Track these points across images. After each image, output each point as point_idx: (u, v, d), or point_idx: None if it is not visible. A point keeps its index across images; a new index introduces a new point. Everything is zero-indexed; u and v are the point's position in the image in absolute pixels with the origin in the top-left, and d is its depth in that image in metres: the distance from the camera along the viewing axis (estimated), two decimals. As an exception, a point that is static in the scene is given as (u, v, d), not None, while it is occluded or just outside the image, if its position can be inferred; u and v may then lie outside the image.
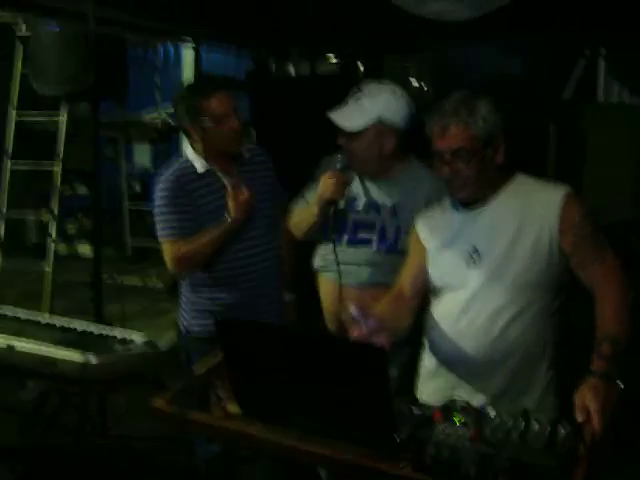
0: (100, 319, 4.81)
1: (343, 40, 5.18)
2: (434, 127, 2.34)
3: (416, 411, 2.00)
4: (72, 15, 3.70)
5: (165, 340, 3.09)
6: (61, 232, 8.46)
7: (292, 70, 5.53)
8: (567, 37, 5.17)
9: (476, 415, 1.83)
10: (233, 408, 2.09)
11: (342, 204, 2.94)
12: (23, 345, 2.76)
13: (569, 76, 6.69)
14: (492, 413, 1.89)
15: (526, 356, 2.33)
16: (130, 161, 9.67)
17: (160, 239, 3.14)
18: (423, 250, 2.54)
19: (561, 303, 2.37)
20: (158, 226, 3.13)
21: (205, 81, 3.61)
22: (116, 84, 4.72)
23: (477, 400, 2.23)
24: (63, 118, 6.85)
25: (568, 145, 5.60)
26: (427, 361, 2.55)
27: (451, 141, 2.30)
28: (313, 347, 1.90)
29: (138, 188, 10.14)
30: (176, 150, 7.75)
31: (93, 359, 2.62)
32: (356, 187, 2.98)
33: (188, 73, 5.87)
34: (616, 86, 7.44)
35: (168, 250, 3.11)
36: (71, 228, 10.11)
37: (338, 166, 2.88)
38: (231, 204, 3.05)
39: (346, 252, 2.92)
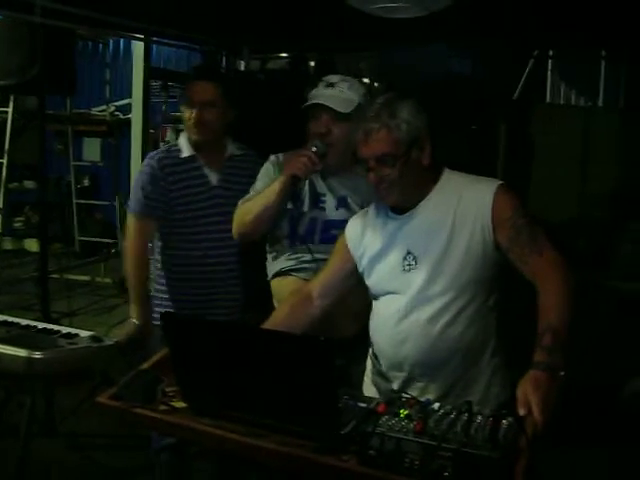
0: (47, 315, 4.75)
1: (294, 38, 5.17)
2: (357, 133, 2.32)
3: (360, 404, 2.01)
4: (19, 6, 3.64)
5: (113, 336, 3.07)
6: (8, 227, 8.32)
7: (242, 66, 5.51)
8: (517, 39, 5.22)
9: (420, 408, 1.85)
10: (179, 403, 2.08)
11: (306, 201, 2.92)
12: None
13: (519, 77, 6.78)
14: (435, 405, 1.91)
15: (468, 354, 2.34)
16: (79, 155, 9.55)
17: (128, 210, 3.33)
18: (346, 256, 2.53)
19: (500, 294, 2.38)
20: (131, 198, 3.33)
21: (199, 68, 3.76)
22: (64, 77, 4.64)
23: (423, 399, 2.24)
24: (10, 111, 6.76)
25: (517, 144, 5.68)
26: (372, 362, 2.57)
27: (374, 147, 2.28)
28: (258, 341, 1.90)
29: (87, 182, 10.03)
30: (126, 144, 7.69)
31: (37, 354, 2.59)
32: (320, 187, 2.94)
33: (138, 68, 5.79)
34: (563, 87, 7.58)
35: (130, 223, 3.29)
36: (18, 222, 9.96)
37: (314, 149, 2.83)
38: None
39: (318, 249, 2.86)
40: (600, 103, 7.53)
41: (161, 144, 8.15)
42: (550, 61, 7.59)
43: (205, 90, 3.17)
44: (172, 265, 3.31)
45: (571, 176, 5.47)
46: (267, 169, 3.02)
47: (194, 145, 3.25)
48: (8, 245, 9.11)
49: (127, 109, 8.59)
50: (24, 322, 3.02)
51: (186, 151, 3.27)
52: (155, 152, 3.36)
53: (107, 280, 8.57)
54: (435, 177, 2.40)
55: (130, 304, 3.23)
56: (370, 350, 2.58)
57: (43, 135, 4.62)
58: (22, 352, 2.60)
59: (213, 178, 3.28)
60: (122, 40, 9.68)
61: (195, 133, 3.20)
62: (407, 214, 2.39)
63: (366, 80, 8.04)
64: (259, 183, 3.00)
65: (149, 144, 6.07)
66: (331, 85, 2.86)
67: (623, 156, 5.55)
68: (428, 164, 2.34)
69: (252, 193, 2.98)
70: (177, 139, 3.37)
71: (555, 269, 2.18)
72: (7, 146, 6.81)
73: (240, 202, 3.00)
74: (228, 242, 3.19)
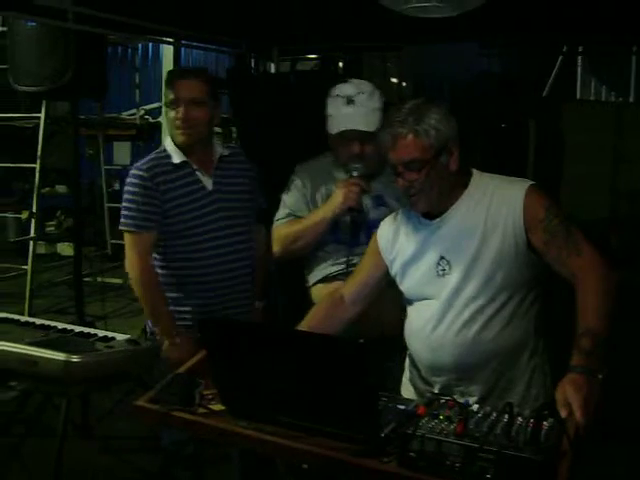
0: (82, 318, 4.78)
1: (323, 38, 5.17)
2: (385, 137, 2.31)
3: (400, 406, 2.01)
4: (52, 12, 3.67)
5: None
6: (41, 231, 8.40)
7: (273, 68, 5.52)
8: (546, 36, 5.18)
9: (460, 409, 1.84)
10: (217, 406, 2.08)
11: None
12: (3, 345, 2.72)
13: (548, 74, 6.73)
14: (475, 407, 1.89)
15: (506, 356, 2.33)
16: (109, 159, 9.62)
17: (122, 227, 3.08)
18: (379, 262, 2.53)
19: (537, 293, 2.36)
20: (122, 214, 3.08)
21: (184, 67, 3.47)
22: (96, 82, 4.68)
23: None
24: (42, 117, 6.81)
25: (547, 142, 5.62)
26: (410, 367, 2.57)
27: (402, 152, 2.27)
28: (296, 344, 1.90)
29: (117, 186, 10.09)
30: (156, 148, 7.74)
31: (75, 358, 2.59)
32: None
33: (168, 71, 5.80)
34: (593, 83, 7.51)
35: (130, 242, 3.06)
36: (51, 227, 10.05)
37: (356, 174, 2.87)
38: None
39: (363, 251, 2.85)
40: (631, 99, 7.45)
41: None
42: (580, 57, 7.52)
43: (192, 88, 3.02)
44: (174, 278, 3.12)
45: (603, 173, 5.39)
46: (296, 184, 3.04)
47: (182, 149, 3.08)
48: (41, 249, 9.19)
49: (157, 113, 8.65)
50: (61, 325, 3.03)
51: (176, 157, 3.08)
52: (142, 161, 3.12)
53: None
54: (465, 181, 2.38)
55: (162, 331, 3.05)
56: (408, 354, 2.57)
57: (77, 140, 4.65)
58: (60, 356, 2.60)
59: (208, 183, 3.12)
60: (151, 44, 9.74)
61: (181, 134, 3.03)
62: (439, 219, 2.38)
63: (394, 80, 8.03)
64: (290, 199, 3.03)
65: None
66: (352, 102, 2.84)
67: (655, 151, 5.46)
68: (456, 169, 2.32)
69: (286, 211, 3.02)
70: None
71: (594, 269, 2.15)
72: (40, 151, 6.84)
73: (278, 223, 3.01)
74: (238, 247, 3.13)
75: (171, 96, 3.02)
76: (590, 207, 5.15)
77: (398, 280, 2.50)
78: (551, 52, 6.72)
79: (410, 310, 2.49)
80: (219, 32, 4.99)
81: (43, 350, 2.64)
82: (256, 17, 4.53)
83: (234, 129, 7.58)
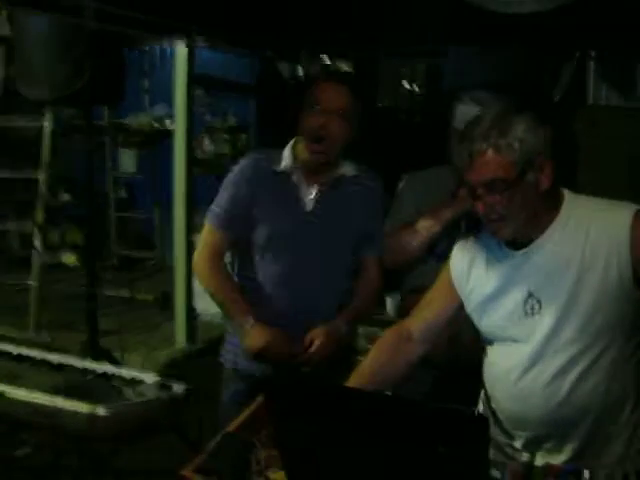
0: (95, 336, 4.56)
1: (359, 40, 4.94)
2: (462, 155, 1.98)
3: (495, 474, 1.69)
4: (65, 9, 3.37)
5: (163, 358, 2.72)
6: (44, 241, 8.13)
7: (301, 72, 5.21)
8: (556, 39, 4.95)
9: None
10: (276, 474, 1.75)
11: None
12: (16, 392, 2.31)
13: (559, 78, 6.57)
14: (586, 474, 1.57)
15: (604, 410, 2.02)
16: (114, 166, 9.36)
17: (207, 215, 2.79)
18: (452, 294, 2.23)
19: None
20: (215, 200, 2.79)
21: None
22: (112, 88, 4.31)
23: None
24: (48, 125, 6.51)
25: (561, 149, 5.47)
26: (488, 414, 2.23)
27: (482, 172, 1.94)
28: (384, 411, 1.55)
29: (124, 194, 9.82)
30: (163, 155, 7.47)
31: (102, 410, 2.18)
32: None
33: (181, 75, 5.51)
34: (605, 89, 7.35)
35: (206, 235, 2.77)
36: (54, 237, 9.77)
37: None
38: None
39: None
40: (642, 105, 7.30)
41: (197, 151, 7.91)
42: (592, 62, 7.39)
43: (340, 95, 2.58)
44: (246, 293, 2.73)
45: (618, 179, 5.20)
46: (407, 195, 2.85)
47: (302, 163, 2.67)
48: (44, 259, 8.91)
49: (166, 119, 8.41)
50: (79, 363, 2.66)
51: (283, 165, 2.66)
52: (251, 156, 2.78)
53: (148, 297, 8.31)
54: (555, 204, 2.05)
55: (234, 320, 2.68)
56: (483, 397, 2.27)
57: (91, 150, 4.44)
58: (84, 407, 2.20)
59: (309, 201, 2.68)
60: (158, 48, 9.46)
61: (316, 150, 2.60)
62: (526, 249, 2.05)
63: (407, 87, 7.82)
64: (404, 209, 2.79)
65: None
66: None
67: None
68: (548, 188, 1.99)
69: (394, 222, 2.78)
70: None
71: None
72: (49, 159, 6.50)
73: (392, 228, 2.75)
74: (328, 284, 2.69)
75: (319, 97, 2.60)
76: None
77: (475, 318, 2.19)
78: (563, 57, 6.57)
79: (491, 351, 2.18)
80: (242, 35, 4.72)
81: (63, 400, 2.23)
82: (282, 21, 4.26)
83: (243, 136, 7.38)
